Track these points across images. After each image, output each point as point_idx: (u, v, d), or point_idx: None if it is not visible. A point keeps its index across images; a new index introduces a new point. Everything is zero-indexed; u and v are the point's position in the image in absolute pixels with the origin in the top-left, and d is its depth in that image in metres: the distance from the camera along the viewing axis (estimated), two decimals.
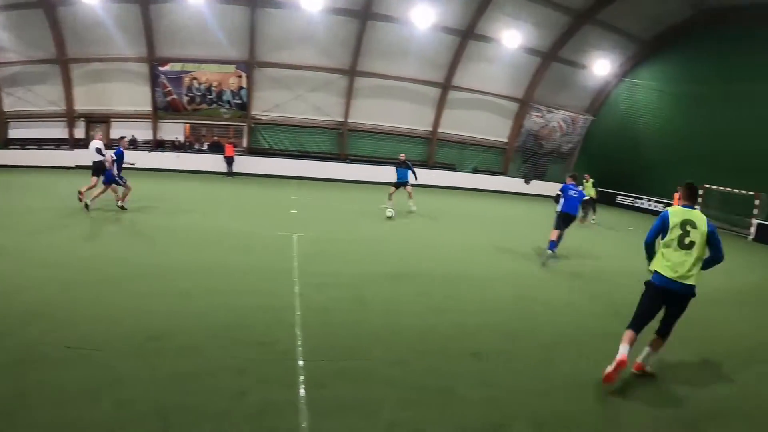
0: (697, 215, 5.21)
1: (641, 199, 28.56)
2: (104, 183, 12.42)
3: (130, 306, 6.09)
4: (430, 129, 29.28)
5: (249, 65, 24.73)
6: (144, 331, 5.36)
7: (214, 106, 25.41)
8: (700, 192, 21.65)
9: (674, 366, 5.84)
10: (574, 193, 11.56)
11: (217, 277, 7.57)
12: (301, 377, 4.60)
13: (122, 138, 14.21)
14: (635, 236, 17.68)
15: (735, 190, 22.76)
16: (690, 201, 5.44)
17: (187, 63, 24.50)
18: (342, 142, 27.39)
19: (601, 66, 29.17)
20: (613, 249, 14.77)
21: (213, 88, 25.00)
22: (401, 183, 16.28)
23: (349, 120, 27.21)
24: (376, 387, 4.62)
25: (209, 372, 4.59)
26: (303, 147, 26.86)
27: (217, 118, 25.86)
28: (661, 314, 5.34)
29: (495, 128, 31.16)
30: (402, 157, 16.75)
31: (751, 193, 22.04)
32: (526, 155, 32.45)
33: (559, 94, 30.84)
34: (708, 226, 5.14)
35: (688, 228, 5.15)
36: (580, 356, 6.03)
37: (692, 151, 26.16)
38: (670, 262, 5.13)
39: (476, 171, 30.45)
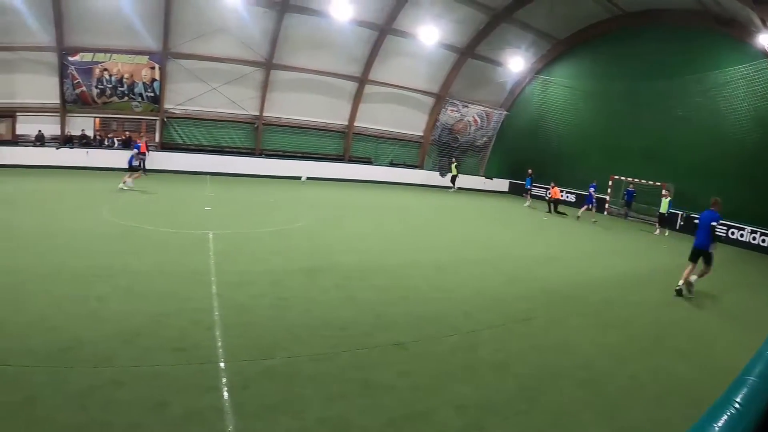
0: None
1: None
2: None
3: (41, 313, 5.69)
4: (347, 123, 29.31)
5: (163, 56, 23.50)
6: (54, 342, 5.00)
7: (126, 99, 23.88)
8: (609, 183, 23.19)
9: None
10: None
11: (132, 280, 7.21)
12: (224, 380, 4.54)
13: None
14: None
15: (642, 181, 24.58)
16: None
17: (98, 53, 22.80)
18: (257, 136, 26.82)
19: (516, 63, 30.44)
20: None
21: (125, 80, 23.49)
22: None
23: (264, 114, 26.66)
24: (301, 384, 4.65)
25: (126, 383, 4.35)
26: (217, 142, 26.06)
27: (128, 111, 24.31)
28: None
29: (411, 122, 31.83)
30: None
31: (658, 183, 23.88)
32: (442, 149, 33.35)
33: (475, 89, 31.94)
34: None
35: None
36: (496, 340, 6.47)
37: (599, 144, 28.22)
38: None
39: (392, 164, 30.78)
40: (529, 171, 27.26)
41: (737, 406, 2.31)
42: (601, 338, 7.13)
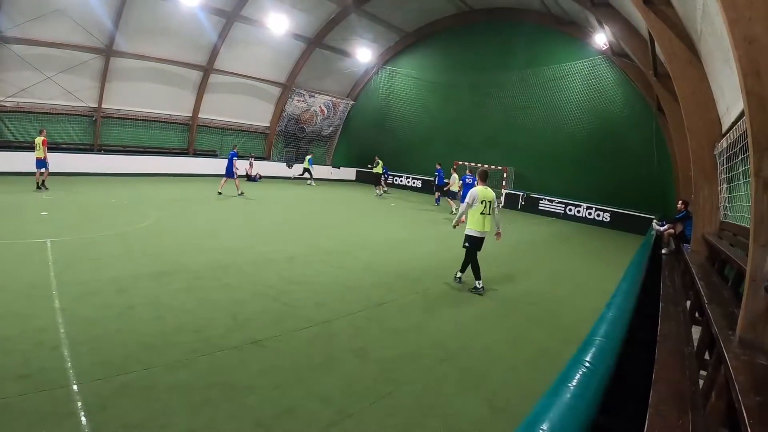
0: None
1: (400, 176, 31.28)
2: None
3: None
4: (191, 114, 27.82)
5: None
6: None
7: None
8: (454, 167, 24.55)
9: None
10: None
11: None
12: (79, 404, 4.14)
13: None
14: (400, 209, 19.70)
15: (485, 166, 26.46)
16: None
17: None
18: (95, 130, 24.25)
19: (364, 54, 31.39)
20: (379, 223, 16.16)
21: None
22: None
23: (103, 106, 24.00)
24: (162, 397, 4.43)
25: None
26: (53, 138, 23.41)
27: None
28: None
29: (257, 113, 31.29)
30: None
31: (499, 167, 26.06)
32: (288, 139, 33.36)
33: (322, 79, 32.25)
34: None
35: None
36: (353, 328, 6.75)
37: (445, 132, 29.88)
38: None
39: (238, 157, 29.86)
40: (378, 160, 28.35)
41: (588, 365, 2.68)
42: (454, 316, 7.76)
